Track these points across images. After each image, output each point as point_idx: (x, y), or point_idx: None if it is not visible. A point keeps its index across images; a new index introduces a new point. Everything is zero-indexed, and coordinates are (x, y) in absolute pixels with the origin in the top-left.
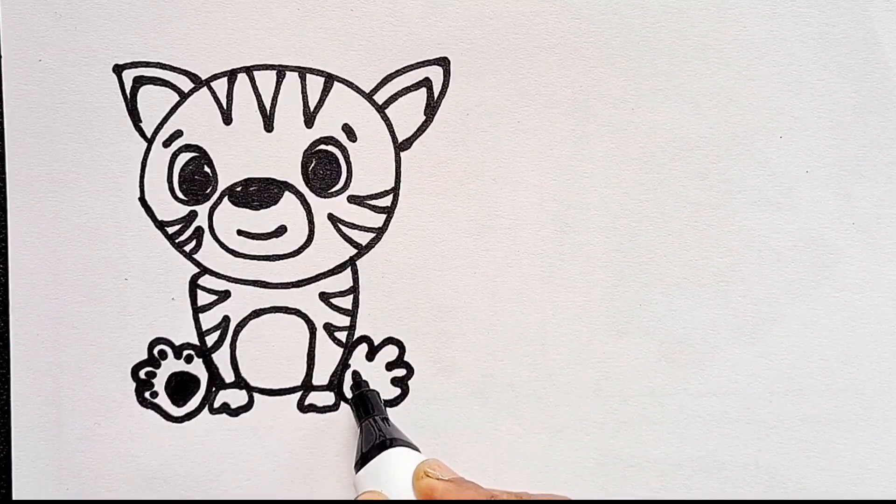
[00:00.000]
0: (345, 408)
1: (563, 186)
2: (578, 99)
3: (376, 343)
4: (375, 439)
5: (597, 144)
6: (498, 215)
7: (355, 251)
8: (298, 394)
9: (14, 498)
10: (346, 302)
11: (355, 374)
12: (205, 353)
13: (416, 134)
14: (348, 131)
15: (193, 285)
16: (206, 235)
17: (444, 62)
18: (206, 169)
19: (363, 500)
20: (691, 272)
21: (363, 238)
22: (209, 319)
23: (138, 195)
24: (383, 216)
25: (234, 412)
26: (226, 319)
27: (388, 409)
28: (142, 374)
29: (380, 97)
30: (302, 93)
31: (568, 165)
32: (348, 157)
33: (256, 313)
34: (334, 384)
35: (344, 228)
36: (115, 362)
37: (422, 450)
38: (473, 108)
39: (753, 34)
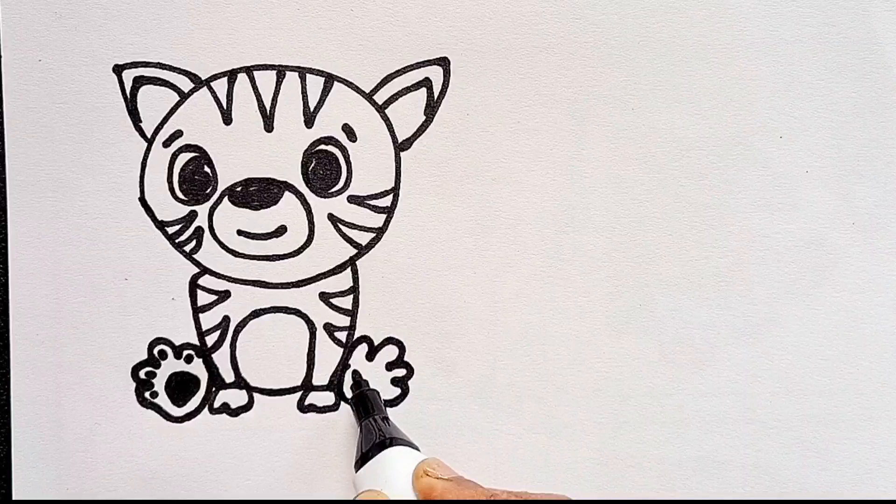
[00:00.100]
0: (345, 408)
1: (563, 186)
2: (578, 99)
3: (376, 343)
4: (375, 438)
5: (597, 144)
6: (498, 215)
7: (355, 251)
8: (298, 394)
9: (14, 498)
10: (346, 302)
11: (355, 374)
12: (205, 353)
13: (416, 134)
14: (348, 131)
15: (193, 285)
16: (206, 235)
17: (444, 62)
18: (206, 169)
19: (363, 500)
20: (691, 272)
21: (363, 238)
22: (209, 319)
23: (138, 195)
24: (383, 216)
25: (234, 412)
26: (226, 319)
27: (387, 408)
28: (142, 374)
29: (380, 97)
30: (302, 93)
31: (568, 165)
32: (348, 157)
33: (256, 313)
34: (334, 384)
35: (344, 228)
36: (115, 362)
37: (422, 449)
38: (473, 108)
39: (753, 34)
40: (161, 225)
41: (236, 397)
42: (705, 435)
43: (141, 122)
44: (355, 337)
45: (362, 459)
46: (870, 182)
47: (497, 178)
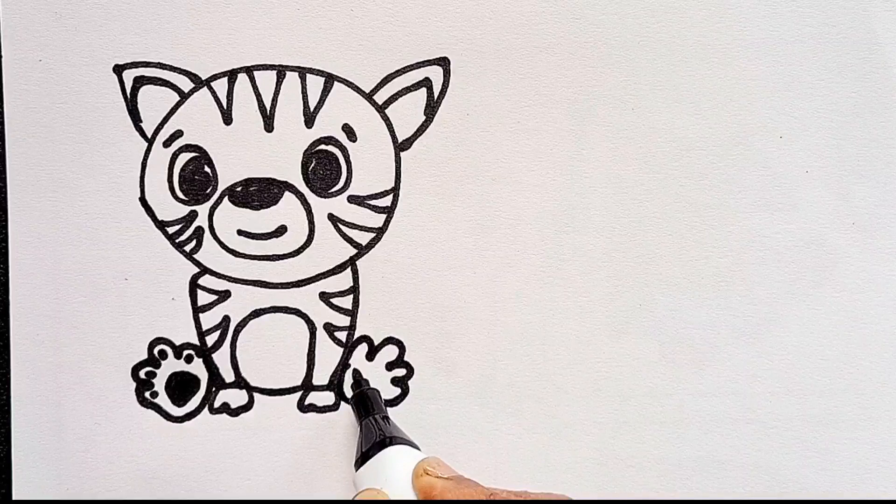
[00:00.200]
0: (345, 408)
1: (563, 186)
2: (578, 99)
3: (376, 343)
4: (375, 437)
5: (597, 144)
6: (498, 215)
7: (355, 251)
8: (298, 394)
9: (14, 498)
10: (346, 302)
11: (356, 373)
12: (205, 352)
13: (416, 134)
14: (348, 131)
15: (193, 285)
16: (207, 235)
17: (444, 62)
18: (207, 169)
19: (363, 500)
20: (691, 272)
21: (363, 238)
22: (209, 319)
23: (138, 195)
24: (383, 216)
25: (234, 412)
26: (226, 319)
27: (387, 408)
28: (142, 374)
29: (380, 97)
30: (302, 93)
31: (568, 165)
32: (348, 157)
33: (256, 313)
34: (334, 384)
35: (344, 228)
36: (115, 362)
37: (422, 449)
38: (473, 108)
39: (753, 34)
40: (161, 225)
41: (236, 397)
42: (705, 435)
43: (141, 121)
44: (355, 337)
45: (362, 458)
46: (870, 182)
47: (497, 178)
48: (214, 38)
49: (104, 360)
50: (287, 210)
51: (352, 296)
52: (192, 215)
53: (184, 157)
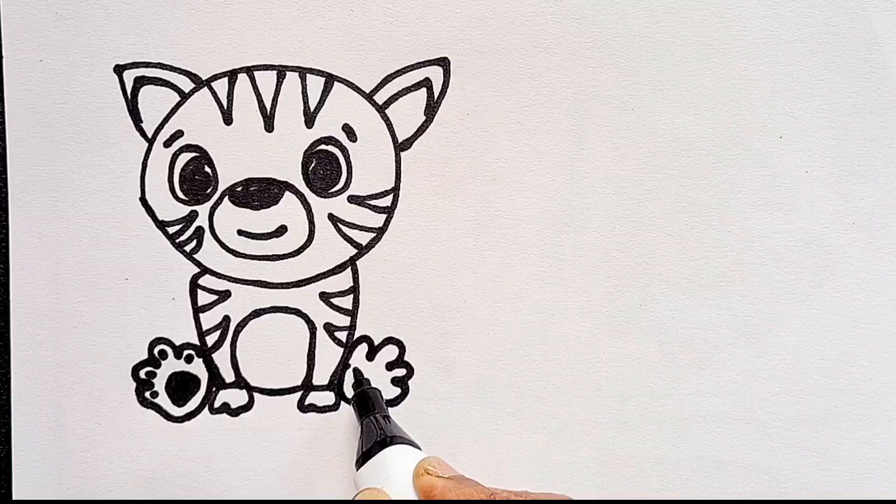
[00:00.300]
0: (345, 408)
1: (563, 186)
2: (578, 99)
3: (376, 343)
4: (376, 437)
5: (597, 144)
6: (498, 215)
7: (355, 251)
8: (298, 394)
9: (14, 498)
10: (346, 302)
11: (357, 372)
12: (205, 352)
13: (417, 134)
14: (348, 131)
15: (194, 285)
16: (207, 235)
17: (444, 62)
18: (207, 169)
19: (363, 500)
20: (691, 272)
21: (363, 238)
22: (209, 319)
23: (139, 195)
24: (383, 216)
25: (235, 412)
26: (226, 319)
27: (388, 408)
28: (142, 373)
29: (380, 97)
30: (302, 93)
31: (568, 165)
32: (348, 157)
33: (257, 313)
34: (334, 384)
35: (344, 228)
36: (116, 362)
37: (422, 449)
38: (473, 108)
39: (753, 34)
40: (161, 225)
41: (236, 397)
42: (705, 435)
43: (142, 122)
44: (355, 337)
45: (363, 458)
46: (870, 182)
47: (497, 178)
48: (214, 38)
49: (104, 360)
50: (287, 210)
51: (352, 296)
52: (193, 215)
53: (184, 157)
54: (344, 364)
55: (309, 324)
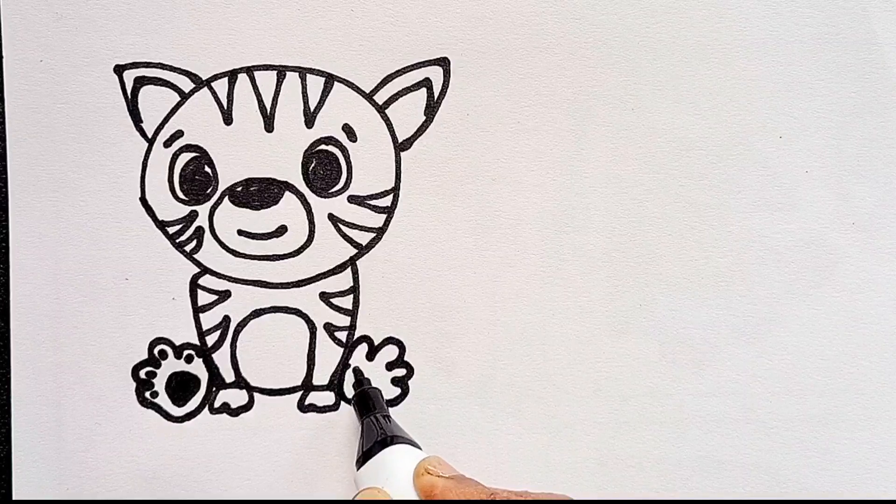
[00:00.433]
0: (345, 407)
1: (563, 186)
2: (578, 99)
3: (376, 343)
4: (377, 436)
5: (597, 144)
6: (498, 215)
7: (355, 251)
8: (298, 394)
9: (14, 498)
10: (346, 302)
11: (358, 372)
12: (205, 352)
13: (417, 134)
14: (348, 131)
15: (194, 285)
16: (207, 235)
17: (444, 62)
18: (207, 169)
19: (364, 500)
20: (691, 272)
21: (363, 238)
22: (209, 319)
23: (139, 195)
24: (383, 216)
25: (235, 412)
26: (226, 319)
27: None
28: (142, 373)
29: (380, 97)
30: (302, 93)
31: (568, 165)
32: (348, 157)
33: (257, 313)
34: (334, 384)
35: (344, 228)
36: (116, 362)
37: (422, 449)
38: (473, 108)
39: (753, 34)
40: (162, 225)
41: (236, 397)
42: (705, 435)
43: (142, 122)
44: (355, 337)
45: (364, 457)
46: (870, 182)
47: (497, 178)
48: (214, 38)
49: (104, 360)
50: (287, 210)
51: (352, 296)
52: (193, 215)
53: (184, 158)
54: (344, 364)
55: (309, 324)
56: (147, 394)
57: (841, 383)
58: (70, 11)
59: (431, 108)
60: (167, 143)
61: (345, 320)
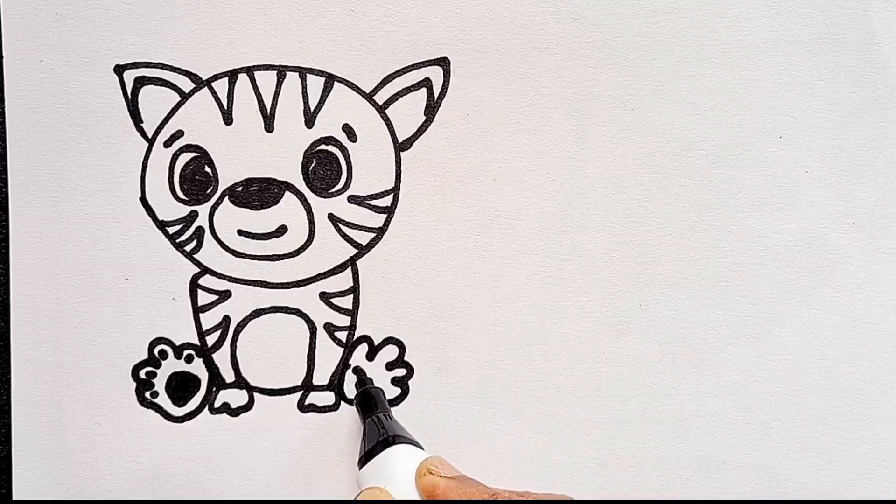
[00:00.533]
0: (345, 407)
1: (563, 186)
2: (578, 99)
3: (376, 343)
4: (379, 436)
5: (597, 144)
6: (498, 215)
7: (355, 251)
8: (299, 394)
9: (14, 498)
10: (346, 302)
11: (359, 372)
12: (205, 352)
13: (417, 134)
14: (348, 131)
15: (194, 285)
16: (207, 235)
17: (444, 62)
18: (207, 169)
19: (365, 500)
20: (691, 272)
21: (363, 238)
22: (210, 319)
23: (139, 195)
24: (383, 216)
25: (235, 412)
26: (226, 319)
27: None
28: (142, 373)
29: (380, 97)
30: (302, 93)
31: (568, 165)
32: (348, 157)
33: (257, 313)
34: (335, 384)
35: (344, 228)
36: (116, 362)
37: (424, 449)
38: (473, 108)
39: (753, 34)
40: (162, 225)
41: (236, 397)
42: (705, 435)
43: (142, 122)
44: (355, 337)
45: (366, 457)
46: (870, 182)
47: (497, 178)
48: (214, 38)
49: (104, 360)
50: (287, 210)
51: (352, 296)
52: (193, 215)
53: (184, 158)
54: (344, 364)
55: (309, 324)
56: (147, 394)
57: (841, 383)
58: (70, 11)
59: (431, 108)
60: (167, 143)
61: (345, 320)
